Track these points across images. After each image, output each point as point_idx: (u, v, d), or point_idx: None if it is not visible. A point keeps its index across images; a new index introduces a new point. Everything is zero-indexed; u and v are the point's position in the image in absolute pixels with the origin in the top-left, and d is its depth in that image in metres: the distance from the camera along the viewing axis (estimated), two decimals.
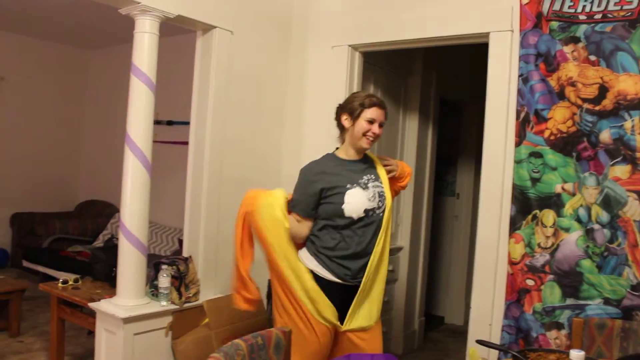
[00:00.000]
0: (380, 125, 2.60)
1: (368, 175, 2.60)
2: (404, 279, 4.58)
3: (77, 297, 3.49)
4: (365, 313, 2.61)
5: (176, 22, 3.24)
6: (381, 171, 2.67)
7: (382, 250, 2.59)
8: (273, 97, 3.84)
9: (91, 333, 3.84)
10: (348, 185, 2.52)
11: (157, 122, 3.16)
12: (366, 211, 2.52)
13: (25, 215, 6.78)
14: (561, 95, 2.85)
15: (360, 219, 2.51)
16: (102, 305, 3.09)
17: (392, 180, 2.71)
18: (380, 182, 2.62)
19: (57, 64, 7.23)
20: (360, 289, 2.54)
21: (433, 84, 4.84)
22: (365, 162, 2.66)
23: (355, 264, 2.53)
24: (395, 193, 2.81)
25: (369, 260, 2.54)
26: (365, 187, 2.55)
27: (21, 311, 4.45)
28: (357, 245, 2.52)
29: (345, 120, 2.61)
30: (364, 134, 2.56)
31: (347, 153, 2.64)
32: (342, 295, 2.54)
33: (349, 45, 3.72)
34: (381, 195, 2.59)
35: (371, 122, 2.55)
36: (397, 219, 4.53)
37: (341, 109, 2.65)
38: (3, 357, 3.88)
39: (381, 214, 2.57)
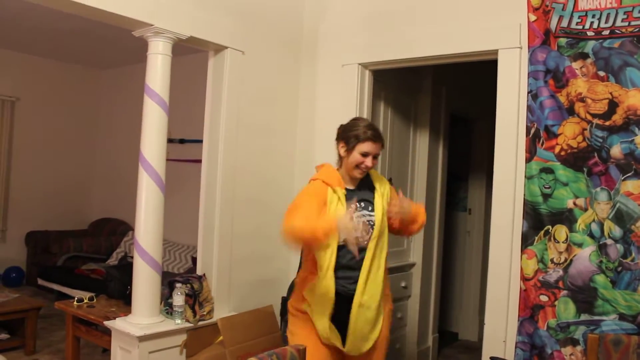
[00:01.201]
0: (375, 157, 2.62)
1: (359, 203, 2.58)
2: (417, 295, 4.57)
3: (92, 315, 3.52)
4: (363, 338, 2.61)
5: (188, 43, 3.29)
6: (377, 194, 2.66)
7: (372, 273, 2.56)
8: (284, 115, 3.88)
9: (106, 351, 3.87)
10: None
11: (169, 141, 3.21)
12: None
13: (39, 233, 6.85)
14: (571, 111, 2.86)
15: (342, 246, 2.48)
16: (117, 324, 3.11)
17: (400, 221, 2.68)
18: (372, 210, 2.61)
19: (70, 84, 7.35)
20: (352, 308, 2.52)
21: (443, 100, 4.86)
22: (360, 189, 2.67)
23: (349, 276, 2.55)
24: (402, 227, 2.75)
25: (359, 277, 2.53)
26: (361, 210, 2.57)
27: (37, 329, 4.48)
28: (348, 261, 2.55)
29: (342, 149, 2.64)
30: (357, 166, 2.59)
31: (345, 180, 2.65)
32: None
33: (359, 64, 3.76)
34: (371, 224, 2.58)
35: (365, 155, 2.57)
36: None
37: (340, 136, 2.67)
38: None
39: (366, 242, 2.53)
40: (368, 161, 2.58)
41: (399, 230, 2.76)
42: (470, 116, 5.55)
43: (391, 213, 2.62)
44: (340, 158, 2.68)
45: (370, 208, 2.63)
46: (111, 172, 7.36)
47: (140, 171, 3.10)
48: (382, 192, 2.68)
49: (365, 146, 2.57)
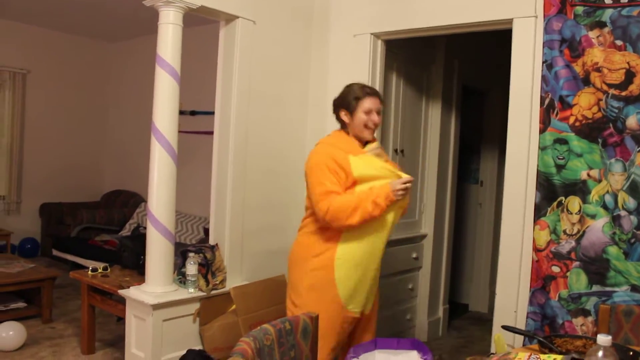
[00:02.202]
0: (378, 113, 2.65)
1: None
2: (428, 267, 4.59)
3: (107, 285, 3.57)
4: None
5: (199, 13, 3.27)
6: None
7: None
8: (296, 86, 3.86)
9: (120, 320, 3.93)
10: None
11: (180, 113, 3.21)
12: None
13: (53, 205, 6.93)
14: (586, 81, 2.83)
15: None
16: (132, 293, 3.15)
17: None
18: None
19: (81, 57, 7.34)
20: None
21: (456, 71, 4.81)
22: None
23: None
24: None
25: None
26: None
27: (52, 298, 4.56)
28: None
29: (345, 116, 2.67)
30: (365, 125, 2.63)
31: (362, 136, 2.68)
32: None
33: (371, 34, 3.72)
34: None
35: (368, 112, 2.62)
36: (421, 206, 4.54)
37: (338, 105, 2.70)
38: (37, 343, 3.99)
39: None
40: (374, 116, 2.62)
41: None
42: (482, 88, 5.50)
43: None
44: (345, 127, 2.70)
45: None
46: (123, 144, 7.39)
47: (153, 141, 3.11)
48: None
49: (367, 102, 2.61)
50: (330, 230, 2.57)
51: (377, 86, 3.76)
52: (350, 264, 2.57)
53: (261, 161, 3.61)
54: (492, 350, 3.05)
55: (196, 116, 6.14)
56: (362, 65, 3.73)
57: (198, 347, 3.19)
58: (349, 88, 2.70)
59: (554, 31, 2.92)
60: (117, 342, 4.03)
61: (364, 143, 2.70)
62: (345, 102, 2.65)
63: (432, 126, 4.62)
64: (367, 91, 2.64)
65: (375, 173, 2.56)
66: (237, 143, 3.46)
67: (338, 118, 2.72)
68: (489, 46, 4.85)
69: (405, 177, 2.57)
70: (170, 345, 3.10)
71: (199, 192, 5.23)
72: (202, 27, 5.02)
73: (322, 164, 2.55)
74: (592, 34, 2.80)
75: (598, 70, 2.78)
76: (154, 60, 3.11)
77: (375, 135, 2.75)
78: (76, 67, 7.30)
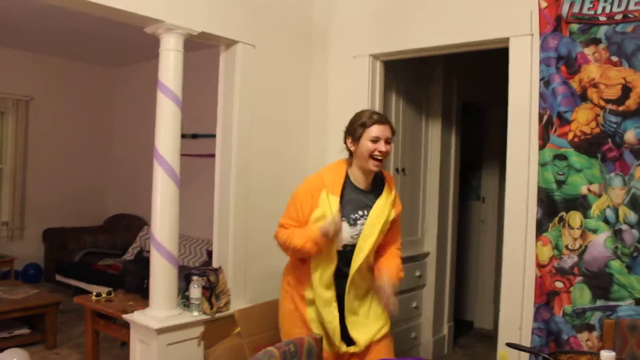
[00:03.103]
0: (387, 142, 2.49)
1: (363, 211, 2.55)
2: (431, 284, 4.58)
3: (111, 309, 3.57)
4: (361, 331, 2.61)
5: (200, 39, 3.31)
6: (379, 201, 2.58)
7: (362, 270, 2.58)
8: (297, 108, 3.89)
9: (124, 344, 3.93)
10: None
11: (182, 136, 3.23)
12: (345, 246, 2.53)
13: (56, 230, 6.95)
14: (583, 97, 2.85)
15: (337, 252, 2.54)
16: (136, 317, 3.15)
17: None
18: (365, 216, 2.56)
19: (84, 83, 7.41)
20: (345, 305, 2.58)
21: (454, 89, 4.86)
22: (372, 192, 2.60)
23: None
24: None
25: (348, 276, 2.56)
26: (353, 223, 2.54)
27: (57, 324, 4.56)
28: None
29: (351, 145, 2.53)
30: (371, 155, 2.46)
31: (356, 179, 2.58)
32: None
33: (370, 55, 3.76)
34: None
35: (375, 140, 2.45)
36: (423, 224, 4.55)
37: (345, 133, 2.58)
38: None
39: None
40: (380, 146, 2.45)
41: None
42: (482, 105, 5.54)
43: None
44: (352, 156, 2.57)
45: (365, 212, 2.56)
46: (126, 168, 7.43)
47: (155, 166, 3.13)
48: (386, 203, 2.59)
49: (374, 130, 2.45)
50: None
51: (377, 106, 3.80)
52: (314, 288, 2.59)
53: (263, 183, 3.62)
54: None
55: (198, 139, 6.18)
56: (361, 86, 3.77)
57: None
58: (358, 114, 2.57)
59: (550, 48, 2.96)
60: None
61: (373, 178, 2.61)
62: (352, 128, 2.52)
63: (432, 144, 4.65)
64: (375, 118, 2.47)
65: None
66: (239, 166, 3.48)
67: (347, 148, 2.59)
68: (487, 63, 4.89)
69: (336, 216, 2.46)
70: None
71: (202, 215, 5.24)
72: (203, 51, 5.08)
73: (296, 196, 2.63)
74: (588, 51, 2.84)
75: (595, 86, 2.81)
76: (155, 85, 3.15)
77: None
78: (79, 93, 7.37)
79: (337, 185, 2.54)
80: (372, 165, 2.49)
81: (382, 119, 2.51)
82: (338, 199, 2.52)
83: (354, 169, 2.59)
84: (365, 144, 2.47)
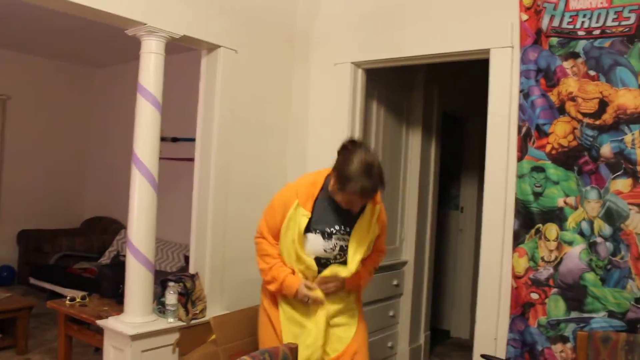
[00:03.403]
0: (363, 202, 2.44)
1: (340, 226, 2.51)
2: (409, 293, 4.59)
3: (85, 315, 3.52)
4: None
5: (181, 42, 3.29)
6: (367, 220, 2.52)
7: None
8: (277, 114, 3.88)
9: (98, 350, 3.87)
10: (312, 228, 2.48)
11: (162, 139, 3.20)
12: (317, 259, 2.53)
13: (31, 232, 6.83)
14: (562, 110, 2.89)
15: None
16: (110, 323, 3.11)
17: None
18: (349, 232, 2.52)
19: (62, 82, 7.32)
20: None
21: (435, 98, 4.89)
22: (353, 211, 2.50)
23: None
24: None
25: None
26: (328, 237, 2.50)
27: (29, 328, 4.47)
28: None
29: (333, 184, 2.41)
30: (343, 202, 2.41)
31: (334, 193, 2.46)
32: None
33: (352, 63, 3.77)
34: (343, 249, 2.53)
35: (349, 202, 2.39)
36: (401, 233, 4.56)
37: (335, 167, 2.40)
38: None
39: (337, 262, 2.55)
40: (354, 206, 2.42)
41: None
42: (462, 114, 5.58)
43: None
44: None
45: (348, 229, 2.52)
46: (103, 170, 7.35)
47: (133, 170, 3.10)
48: (370, 221, 2.53)
49: (354, 196, 2.35)
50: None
51: (357, 114, 3.80)
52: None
53: (242, 189, 3.60)
54: None
55: (178, 143, 6.14)
56: (343, 93, 3.77)
57: None
58: (351, 166, 2.29)
59: (530, 61, 2.99)
60: None
61: None
62: (339, 175, 2.34)
63: (412, 152, 4.66)
64: (357, 191, 2.30)
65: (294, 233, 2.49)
66: (218, 170, 3.46)
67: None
68: (468, 73, 4.93)
69: (317, 294, 2.50)
70: None
71: (180, 219, 5.19)
72: (184, 54, 5.05)
73: (272, 205, 2.63)
74: (567, 64, 2.87)
75: (573, 99, 2.85)
76: (135, 86, 3.12)
77: None
78: (57, 92, 7.27)
79: (310, 198, 2.49)
80: (344, 206, 2.45)
81: (368, 193, 2.35)
82: (308, 215, 2.48)
83: (333, 181, 2.45)
84: (341, 195, 2.38)
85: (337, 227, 2.51)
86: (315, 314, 2.54)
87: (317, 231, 2.49)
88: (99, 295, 3.96)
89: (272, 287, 2.59)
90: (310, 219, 2.49)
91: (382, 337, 4.33)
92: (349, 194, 2.34)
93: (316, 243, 2.49)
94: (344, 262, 2.54)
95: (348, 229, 2.53)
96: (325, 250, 2.51)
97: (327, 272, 2.52)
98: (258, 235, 2.69)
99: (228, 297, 3.51)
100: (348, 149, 2.38)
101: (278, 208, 2.56)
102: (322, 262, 2.54)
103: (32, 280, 6.09)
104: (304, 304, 2.55)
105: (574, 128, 2.85)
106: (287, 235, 2.52)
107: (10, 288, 5.87)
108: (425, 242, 4.81)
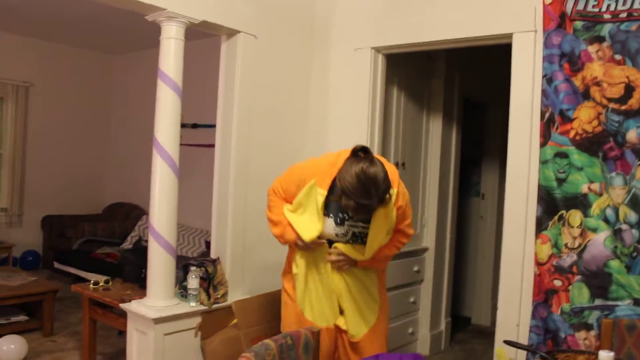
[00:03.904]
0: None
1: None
2: (430, 280, 4.58)
3: (108, 298, 3.57)
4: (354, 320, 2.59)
5: (201, 28, 3.29)
6: (377, 213, 2.40)
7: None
8: (297, 99, 3.87)
9: (122, 333, 3.93)
10: (325, 212, 2.47)
11: (182, 125, 3.22)
12: (328, 242, 2.51)
13: (55, 218, 6.94)
14: (586, 95, 2.84)
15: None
16: (133, 306, 3.15)
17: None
18: (365, 224, 2.45)
19: (84, 70, 7.38)
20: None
21: (456, 85, 4.84)
22: None
23: None
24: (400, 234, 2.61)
25: None
26: (340, 222, 2.47)
27: (54, 312, 4.56)
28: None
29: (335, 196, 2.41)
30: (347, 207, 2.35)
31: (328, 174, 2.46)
32: None
33: (372, 48, 3.74)
34: (357, 236, 2.49)
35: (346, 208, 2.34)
36: (422, 220, 4.54)
37: (338, 176, 2.32)
38: (38, 356, 3.98)
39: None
40: (351, 213, 2.38)
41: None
42: (483, 101, 5.52)
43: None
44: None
45: (367, 220, 2.44)
46: (125, 157, 7.41)
47: (154, 155, 3.12)
48: (386, 208, 2.41)
49: (355, 211, 2.31)
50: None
51: (378, 100, 3.78)
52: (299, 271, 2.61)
53: (263, 175, 3.60)
54: None
55: (198, 129, 6.16)
56: (363, 79, 3.75)
57: None
58: (350, 181, 2.21)
59: (554, 45, 2.94)
60: (119, 356, 4.02)
61: None
62: (339, 184, 2.28)
63: (433, 139, 4.63)
64: (357, 209, 2.26)
65: (307, 206, 2.49)
66: (239, 156, 3.47)
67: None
68: (490, 59, 4.88)
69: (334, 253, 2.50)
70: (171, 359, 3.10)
71: (201, 205, 5.23)
72: (204, 40, 5.06)
73: (293, 172, 2.65)
74: (592, 49, 2.82)
75: (598, 84, 2.80)
76: (156, 73, 3.13)
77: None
78: (79, 79, 7.34)
79: (327, 177, 2.43)
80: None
81: (363, 209, 2.27)
82: (324, 193, 2.44)
83: None
84: (344, 201, 2.31)
85: (350, 214, 2.44)
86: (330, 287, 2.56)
87: (330, 215, 2.48)
88: (121, 280, 4.01)
89: (276, 231, 2.62)
90: (326, 198, 2.44)
91: (402, 323, 4.34)
92: (346, 205, 2.30)
93: (328, 226, 2.48)
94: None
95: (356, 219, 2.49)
96: (337, 235, 2.49)
97: (343, 247, 2.49)
98: (271, 190, 2.71)
99: (249, 282, 3.54)
100: (353, 157, 2.31)
101: (295, 180, 2.56)
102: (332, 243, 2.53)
103: (57, 265, 6.20)
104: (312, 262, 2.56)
105: (599, 113, 2.81)
106: (303, 215, 2.52)
107: (36, 272, 5.97)
108: (446, 229, 4.79)
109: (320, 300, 2.57)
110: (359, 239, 2.49)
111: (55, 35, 6.64)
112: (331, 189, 2.44)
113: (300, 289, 2.61)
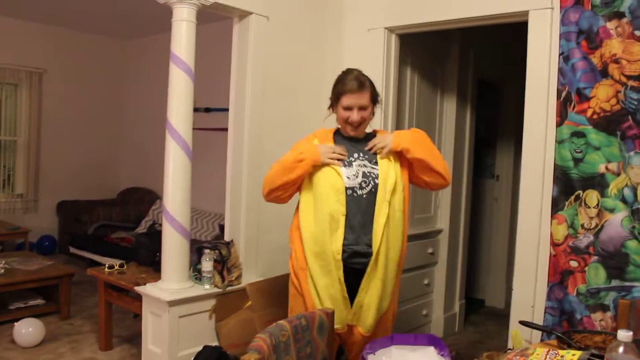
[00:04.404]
0: (363, 108, 2.50)
1: (358, 154, 2.53)
2: (443, 262, 4.57)
3: (123, 282, 3.59)
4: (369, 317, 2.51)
5: (213, 10, 3.27)
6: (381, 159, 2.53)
7: (386, 231, 2.45)
8: (310, 81, 3.84)
9: (137, 316, 3.96)
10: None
11: (195, 110, 3.21)
12: (347, 190, 2.46)
13: (70, 203, 6.99)
14: (604, 73, 2.78)
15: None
16: (148, 289, 3.17)
17: (410, 167, 2.56)
18: (374, 163, 2.51)
19: (96, 55, 7.39)
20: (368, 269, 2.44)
21: (471, 65, 4.78)
22: (365, 140, 2.59)
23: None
24: (425, 183, 2.62)
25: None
26: (348, 164, 2.49)
27: (71, 295, 4.60)
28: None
29: (328, 110, 2.62)
30: (345, 121, 2.53)
31: (345, 131, 2.60)
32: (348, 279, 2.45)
33: (385, 28, 3.70)
34: (367, 175, 2.48)
35: (348, 108, 2.49)
36: (436, 201, 4.51)
37: (330, 98, 2.60)
38: (55, 339, 4.03)
39: (365, 195, 2.46)
40: (353, 115, 2.49)
41: (422, 180, 2.60)
42: (498, 81, 5.45)
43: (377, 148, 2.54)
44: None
45: (373, 161, 2.52)
46: (138, 142, 7.44)
47: (168, 139, 3.12)
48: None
49: (346, 99, 2.48)
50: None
51: (392, 81, 3.75)
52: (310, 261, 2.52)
53: (276, 157, 3.58)
54: (510, 345, 3.02)
55: (210, 113, 6.16)
56: (376, 60, 3.71)
57: (214, 343, 3.20)
58: (339, 77, 2.57)
59: (571, 22, 2.88)
60: (134, 339, 4.06)
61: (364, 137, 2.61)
62: (332, 94, 2.57)
63: (447, 120, 4.59)
64: (347, 87, 2.48)
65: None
66: (252, 139, 3.46)
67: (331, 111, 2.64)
68: (504, 39, 4.81)
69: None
70: (186, 342, 3.11)
71: (214, 189, 5.24)
72: (216, 23, 5.04)
73: (295, 145, 2.65)
74: (610, 25, 2.76)
75: (616, 61, 2.74)
76: (168, 57, 3.12)
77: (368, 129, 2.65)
78: (91, 65, 7.35)
79: (327, 135, 2.63)
80: (350, 130, 2.56)
81: (354, 87, 2.48)
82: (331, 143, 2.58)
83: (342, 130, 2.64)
84: (340, 111, 2.53)
85: (355, 155, 2.53)
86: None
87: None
88: (136, 263, 4.04)
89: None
90: None
91: (416, 305, 4.33)
92: (345, 95, 2.48)
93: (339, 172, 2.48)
94: (370, 191, 2.47)
95: (366, 157, 2.53)
96: (348, 178, 2.46)
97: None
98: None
99: (263, 264, 3.54)
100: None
101: (299, 147, 2.60)
102: (348, 193, 2.46)
103: (72, 250, 6.26)
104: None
105: (617, 91, 2.75)
106: (317, 184, 2.50)
107: (52, 257, 6.03)
108: (460, 210, 4.76)
109: (335, 300, 2.46)
110: (369, 179, 2.47)
111: (68, 21, 6.64)
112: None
113: (312, 286, 2.51)
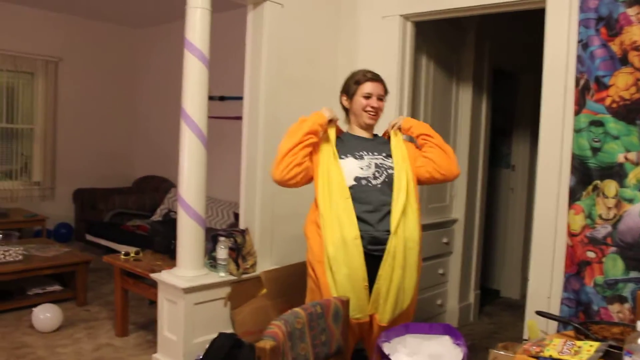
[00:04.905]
0: (380, 99, 2.65)
1: (367, 151, 2.62)
2: (459, 252, 4.55)
3: (139, 269, 3.62)
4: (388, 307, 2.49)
5: None
6: (395, 149, 2.65)
7: (404, 218, 2.47)
8: (325, 69, 3.83)
9: (153, 303, 3.99)
10: (342, 156, 2.56)
11: (209, 98, 3.21)
12: (357, 179, 2.50)
13: (86, 191, 7.06)
14: (624, 61, 2.73)
15: (351, 187, 2.50)
16: (164, 276, 3.19)
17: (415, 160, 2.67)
18: (385, 156, 2.62)
19: (112, 44, 7.42)
20: (383, 260, 2.44)
21: (486, 54, 4.72)
22: (374, 140, 2.71)
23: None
24: (430, 176, 2.67)
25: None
26: (359, 157, 2.58)
27: (87, 282, 4.65)
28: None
29: (345, 102, 2.71)
30: (364, 110, 2.63)
31: (354, 131, 2.72)
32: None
33: (400, 15, 3.67)
34: (379, 167, 2.56)
35: (368, 97, 2.62)
36: (451, 191, 4.49)
37: (341, 92, 2.74)
38: (72, 325, 4.08)
39: (379, 185, 2.52)
40: (373, 101, 2.62)
41: (432, 173, 2.65)
42: (514, 70, 5.39)
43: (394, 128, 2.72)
44: (347, 114, 2.74)
45: (384, 154, 2.63)
46: (153, 131, 7.47)
47: (183, 127, 3.13)
48: (398, 140, 2.69)
49: (366, 87, 2.62)
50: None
51: (407, 69, 3.72)
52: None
53: None
54: (525, 336, 3.01)
55: (225, 102, 6.16)
56: (391, 48, 3.69)
57: (229, 330, 3.22)
58: (352, 74, 2.74)
59: (590, 9, 2.83)
60: (150, 325, 4.09)
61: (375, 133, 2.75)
62: (346, 86, 2.70)
63: (462, 110, 4.55)
64: (368, 76, 2.64)
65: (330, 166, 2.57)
66: (266, 127, 3.45)
67: (342, 107, 2.75)
68: (521, 28, 4.74)
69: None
70: (201, 329, 3.14)
71: (229, 178, 5.25)
72: (230, 12, 5.03)
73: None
74: (631, 11, 2.71)
75: (637, 49, 2.69)
76: (182, 46, 3.12)
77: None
78: (107, 54, 7.38)
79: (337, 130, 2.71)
80: (367, 119, 2.65)
81: (375, 77, 2.66)
82: (334, 138, 2.64)
83: (353, 126, 2.73)
84: (359, 100, 2.64)
85: (365, 151, 2.62)
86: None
87: (348, 155, 2.58)
88: (151, 251, 4.07)
89: (296, 125, 2.63)
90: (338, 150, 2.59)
91: (431, 295, 4.33)
92: (365, 82, 2.62)
93: (349, 163, 2.55)
94: (384, 181, 2.53)
95: (376, 153, 2.62)
96: (361, 168, 2.54)
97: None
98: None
99: (277, 252, 3.55)
100: None
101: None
102: (362, 184, 2.50)
103: (88, 237, 6.31)
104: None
105: (637, 80, 2.70)
106: (328, 176, 2.54)
107: (69, 244, 6.09)
108: (476, 200, 4.73)
109: (356, 289, 2.43)
110: (382, 169, 2.56)
111: (83, 9, 6.66)
112: (341, 141, 2.66)
113: (331, 278, 2.47)
